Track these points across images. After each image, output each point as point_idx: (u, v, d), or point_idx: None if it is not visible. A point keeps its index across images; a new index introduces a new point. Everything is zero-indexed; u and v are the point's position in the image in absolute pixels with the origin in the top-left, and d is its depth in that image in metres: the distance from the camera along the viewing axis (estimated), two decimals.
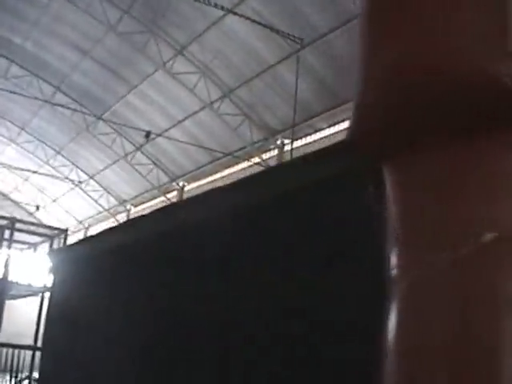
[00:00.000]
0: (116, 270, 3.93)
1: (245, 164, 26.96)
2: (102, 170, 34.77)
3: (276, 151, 25.85)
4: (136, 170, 32.39)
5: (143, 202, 35.25)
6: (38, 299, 19.92)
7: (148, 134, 22.73)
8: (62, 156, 35.39)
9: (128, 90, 27.64)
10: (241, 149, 26.50)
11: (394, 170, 1.16)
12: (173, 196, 32.62)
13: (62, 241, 19.11)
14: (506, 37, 1.05)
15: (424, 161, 1.10)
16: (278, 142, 25.59)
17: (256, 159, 26.03)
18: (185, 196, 31.47)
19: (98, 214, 38.99)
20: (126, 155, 31.80)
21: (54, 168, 36.15)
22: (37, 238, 20.78)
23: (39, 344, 17.14)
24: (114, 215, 37.46)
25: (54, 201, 40.83)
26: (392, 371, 1.07)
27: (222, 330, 2.75)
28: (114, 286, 3.95)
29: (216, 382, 2.72)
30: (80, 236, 36.79)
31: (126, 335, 3.68)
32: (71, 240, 19.30)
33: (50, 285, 17.58)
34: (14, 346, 17.67)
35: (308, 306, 2.36)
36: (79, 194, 38.08)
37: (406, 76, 1.08)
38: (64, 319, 4.71)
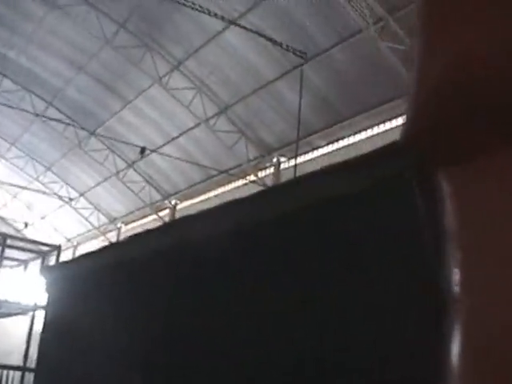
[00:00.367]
0: (113, 287, 3.91)
1: (240, 182, 26.58)
2: (93, 187, 34.24)
3: (272, 169, 25.47)
4: (128, 188, 31.90)
5: (134, 221, 34.72)
6: (28, 318, 19.30)
7: (143, 150, 22.32)
8: (52, 172, 34.83)
9: (122, 106, 27.26)
10: (236, 166, 26.10)
11: (453, 178, 1.11)
12: (165, 214, 32.12)
13: (55, 258, 18.53)
14: None
15: (489, 168, 1.02)
16: (275, 160, 25.22)
17: (252, 177, 25.60)
18: (177, 214, 31.00)
19: (87, 232, 38.36)
20: (118, 172, 31.33)
21: (43, 184, 35.57)
22: (28, 255, 20.19)
23: (29, 364, 16.54)
24: (104, 233, 36.86)
25: (43, 218, 40.15)
26: None
27: (221, 346, 2.78)
28: (111, 303, 3.89)
29: None
30: (69, 254, 36.21)
31: (124, 352, 3.62)
32: (60, 258, 18.77)
33: (41, 303, 17.03)
34: (3, 367, 17.06)
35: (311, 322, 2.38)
36: (69, 212, 37.46)
37: (466, 76, 1.03)
38: (59, 337, 4.65)
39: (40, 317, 14.23)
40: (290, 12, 19.15)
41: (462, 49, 1.04)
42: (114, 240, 35.01)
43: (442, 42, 1.10)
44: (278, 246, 2.73)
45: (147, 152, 23.16)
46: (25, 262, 21.08)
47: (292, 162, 24.70)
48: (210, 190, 29.09)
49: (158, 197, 31.68)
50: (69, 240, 40.42)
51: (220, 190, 28.38)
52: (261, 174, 25.81)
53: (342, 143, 22.24)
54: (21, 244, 19.65)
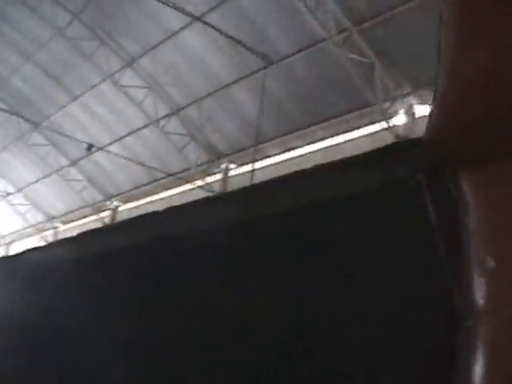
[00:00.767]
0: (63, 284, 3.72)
1: (187, 186, 25.97)
2: (33, 183, 33.03)
3: (220, 175, 24.98)
4: (69, 186, 30.86)
5: (73, 220, 33.62)
6: None
7: (90, 147, 21.50)
8: None
9: (70, 100, 26.37)
10: (184, 170, 25.49)
11: (478, 179, 1.16)
12: (106, 216, 31.20)
13: None
14: None
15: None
16: (223, 166, 24.75)
17: (199, 182, 25.03)
18: (119, 217, 30.16)
19: (23, 230, 36.99)
20: (61, 169, 30.30)
21: None
22: None
23: None
24: (40, 232, 35.60)
25: None
26: None
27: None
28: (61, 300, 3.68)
29: None
30: (1, 251, 34.92)
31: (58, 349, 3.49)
32: None
33: None
34: None
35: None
36: (4, 207, 36.07)
37: (497, 80, 1.11)
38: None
39: None
40: (252, 16, 18.78)
41: (494, 54, 1.10)
42: (50, 239, 33.89)
43: (473, 46, 1.16)
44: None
45: (93, 149, 22.36)
46: None
47: (241, 169, 24.31)
48: (154, 193, 28.39)
49: (99, 197, 30.76)
50: (2, 237, 38.93)
51: (165, 193, 27.71)
52: (209, 179, 25.26)
53: (294, 153, 21.93)
54: None
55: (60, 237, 32.20)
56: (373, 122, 19.21)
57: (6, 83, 27.20)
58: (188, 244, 2.92)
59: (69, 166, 30.05)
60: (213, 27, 17.23)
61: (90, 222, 31.09)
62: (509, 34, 1.10)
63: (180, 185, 26.53)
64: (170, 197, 27.08)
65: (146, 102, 23.88)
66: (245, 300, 2.59)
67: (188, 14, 17.73)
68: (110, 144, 26.63)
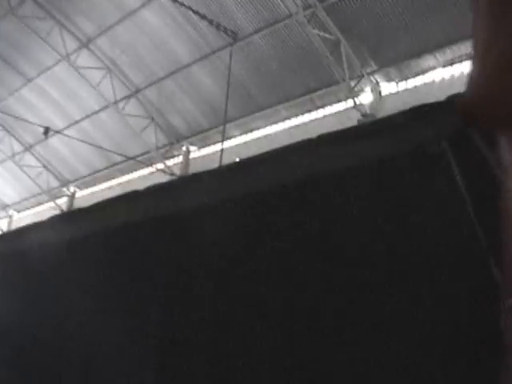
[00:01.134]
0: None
1: (146, 170, 25.41)
2: None
3: (181, 158, 24.47)
4: (24, 172, 29.90)
5: (28, 208, 32.70)
6: None
7: (47, 131, 20.74)
8: None
9: (23, 83, 25.45)
10: (143, 154, 24.90)
11: None
12: (62, 202, 30.39)
13: None
14: None
15: None
16: (184, 148, 24.25)
17: (160, 165, 24.47)
18: (76, 203, 29.40)
19: None
20: (14, 155, 29.34)
21: None
22: None
23: None
24: None
25: None
26: None
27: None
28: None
29: None
30: None
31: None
32: None
33: None
34: None
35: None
36: None
37: None
38: None
39: None
40: None
41: None
42: (4, 228, 32.93)
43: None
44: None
45: (50, 133, 21.60)
46: None
47: (202, 152, 23.87)
48: (112, 178, 27.76)
49: (55, 183, 29.92)
50: None
51: (124, 178, 27.10)
52: (169, 162, 24.72)
53: (257, 133, 21.57)
54: None
55: (15, 225, 31.27)
56: (339, 101, 18.99)
57: None
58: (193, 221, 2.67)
59: (22, 151, 29.13)
60: (176, 1, 16.55)
61: (47, 209, 30.25)
62: None
63: (139, 169, 25.96)
64: (128, 181, 26.50)
65: (103, 83, 23.16)
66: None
67: None
68: (66, 128, 25.82)
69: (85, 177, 28.67)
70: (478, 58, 1.30)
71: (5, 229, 32.95)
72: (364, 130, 2.23)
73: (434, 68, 17.29)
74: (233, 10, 18.44)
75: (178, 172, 24.14)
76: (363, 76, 18.08)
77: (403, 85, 18.01)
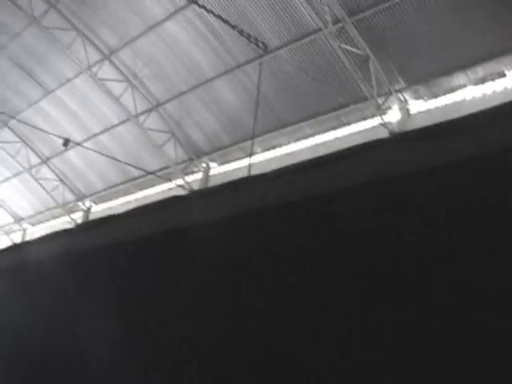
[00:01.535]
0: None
1: (164, 186, 25.00)
2: (0, 183, 31.65)
3: (201, 174, 24.05)
4: (40, 185, 29.57)
5: (42, 222, 32.35)
6: None
7: (66, 142, 20.35)
8: None
9: (42, 95, 25.19)
10: (162, 169, 24.50)
11: None
12: (78, 217, 30.04)
13: None
14: None
15: None
16: (204, 165, 23.83)
17: (179, 181, 24.03)
18: (92, 218, 29.03)
19: None
20: (30, 168, 29.05)
21: None
22: None
23: None
24: (7, 234, 34.23)
25: None
26: None
27: None
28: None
29: None
30: None
31: None
32: None
33: None
34: None
35: None
36: None
37: None
38: None
39: None
40: (241, 5, 17.94)
41: None
42: (18, 241, 32.57)
43: None
44: None
45: (70, 145, 21.22)
46: None
47: (222, 168, 23.46)
48: (129, 193, 27.38)
49: (71, 197, 29.57)
50: None
51: (141, 193, 26.72)
52: (188, 178, 24.28)
53: (279, 151, 21.14)
54: None
55: (28, 239, 30.92)
56: (365, 118, 18.55)
57: None
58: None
59: (39, 164, 28.84)
60: (206, 10, 16.20)
61: (61, 223, 29.90)
62: None
63: (156, 184, 25.57)
64: (145, 197, 26.09)
65: (124, 96, 22.85)
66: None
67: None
68: (84, 141, 25.49)
69: (101, 191, 28.31)
70: None
71: (18, 241, 32.60)
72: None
73: (464, 86, 16.84)
74: (260, 24, 18.08)
75: (197, 188, 23.73)
76: (391, 93, 17.65)
77: (432, 103, 17.57)
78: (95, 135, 25.50)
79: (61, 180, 29.02)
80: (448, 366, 1.74)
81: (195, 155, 23.63)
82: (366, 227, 1.98)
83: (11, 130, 27.52)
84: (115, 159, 22.45)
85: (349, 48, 16.74)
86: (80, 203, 29.64)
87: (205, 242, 2.48)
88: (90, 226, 3.32)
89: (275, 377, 2.11)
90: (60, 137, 20.75)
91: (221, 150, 22.80)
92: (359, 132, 18.69)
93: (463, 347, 1.73)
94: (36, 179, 29.37)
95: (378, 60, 17.16)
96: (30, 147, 28.21)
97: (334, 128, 19.38)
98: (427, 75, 17.03)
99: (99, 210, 29.15)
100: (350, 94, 18.09)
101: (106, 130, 24.99)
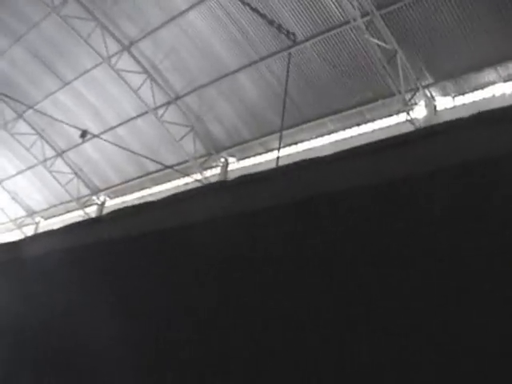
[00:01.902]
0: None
1: (181, 181, 24.63)
2: (14, 176, 31.37)
3: (219, 169, 23.67)
4: (54, 179, 29.26)
5: (55, 215, 32.05)
6: None
7: (84, 134, 19.99)
8: None
9: (59, 86, 24.86)
10: (180, 163, 24.12)
11: None
12: (91, 211, 29.72)
13: None
14: None
15: None
16: (222, 160, 23.45)
17: (197, 176, 23.65)
18: (105, 212, 28.69)
19: (1, 224, 35.27)
20: (45, 160, 28.75)
21: None
22: None
23: None
24: (20, 227, 33.95)
25: None
26: None
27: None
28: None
29: None
30: None
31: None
32: None
33: None
34: None
35: None
36: None
37: None
38: None
39: None
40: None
41: None
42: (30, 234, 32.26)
43: None
44: None
45: (88, 136, 20.89)
46: None
47: (241, 164, 23.08)
48: (145, 188, 27.05)
49: (85, 191, 29.25)
50: None
51: (157, 188, 26.37)
52: (206, 173, 23.89)
53: (301, 146, 20.73)
54: None
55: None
56: (390, 115, 18.13)
57: None
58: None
59: (54, 157, 28.53)
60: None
61: (74, 217, 29.57)
62: None
63: (173, 179, 25.21)
64: (161, 191, 25.74)
65: (142, 89, 22.49)
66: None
67: None
68: (101, 134, 25.14)
69: (116, 185, 27.96)
70: None
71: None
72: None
73: (494, 82, 16.41)
74: (285, 16, 17.67)
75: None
76: (418, 89, 17.22)
77: (460, 99, 17.13)
78: (112, 128, 25.14)
79: (75, 173, 28.72)
80: (448, 366, 1.70)
81: (214, 150, 23.25)
82: (369, 228, 1.92)
83: (26, 121, 27.18)
84: (133, 152, 22.07)
85: (376, 42, 16.30)
86: (94, 197, 29.31)
87: (204, 241, 2.41)
88: (90, 223, 3.18)
89: (275, 377, 2.08)
90: (78, 128, 20.37)
91: (240, 145, 22.41)
92: (383, 128, 18.26)
93: (463, 347, 1.70)
94: (50, 172, 29.05)
95: (406, 55, 16.74)
96: (46, 139, 27.88)
97: (358, 124, 18.98)
98: (455, 71, 16.60)
99: (114, 204, 28.81)
100: (376, 89, 17.67)
101: (124, 122, 24.63)
